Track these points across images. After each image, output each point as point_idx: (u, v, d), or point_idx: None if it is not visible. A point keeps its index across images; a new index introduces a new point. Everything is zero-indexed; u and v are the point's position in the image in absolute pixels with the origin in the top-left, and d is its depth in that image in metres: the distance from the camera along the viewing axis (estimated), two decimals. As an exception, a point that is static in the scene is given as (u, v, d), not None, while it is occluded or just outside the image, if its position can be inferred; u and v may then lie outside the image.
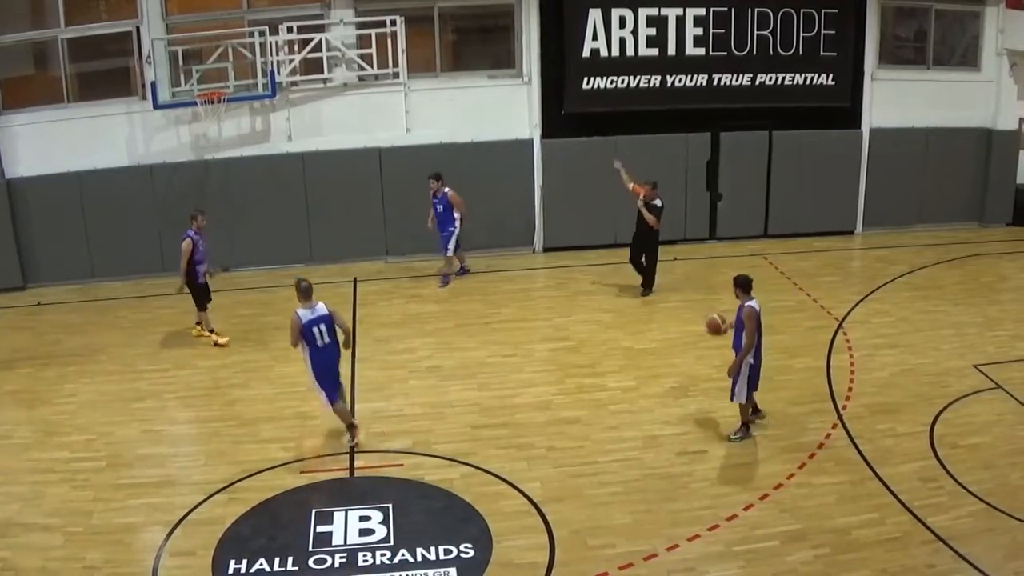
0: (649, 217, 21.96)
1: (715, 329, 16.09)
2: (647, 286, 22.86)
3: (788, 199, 26.41)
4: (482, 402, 17.81)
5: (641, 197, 22.07)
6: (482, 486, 15.06)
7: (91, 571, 13.65)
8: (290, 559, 13.37)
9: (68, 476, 16.12)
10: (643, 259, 22.82)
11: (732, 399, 15.86)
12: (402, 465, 15.72)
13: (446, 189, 23.13)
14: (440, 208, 23.31)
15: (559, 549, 13.54)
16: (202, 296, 21.00)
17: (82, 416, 18.18)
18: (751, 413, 16.27)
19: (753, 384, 15.82)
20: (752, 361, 15.54)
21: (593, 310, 22.14)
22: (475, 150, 24.98)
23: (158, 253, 24.25)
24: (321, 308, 15.93)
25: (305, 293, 15.92)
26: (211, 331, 21.06)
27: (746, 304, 15.44)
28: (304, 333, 15.81)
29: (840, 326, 20.98)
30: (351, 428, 16.56)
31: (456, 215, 23.35)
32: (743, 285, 15.59)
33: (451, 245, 23.57)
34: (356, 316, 21.84)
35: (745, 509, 14.27)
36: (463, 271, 24.33)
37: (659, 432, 16.37)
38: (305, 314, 15.83)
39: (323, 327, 15.92)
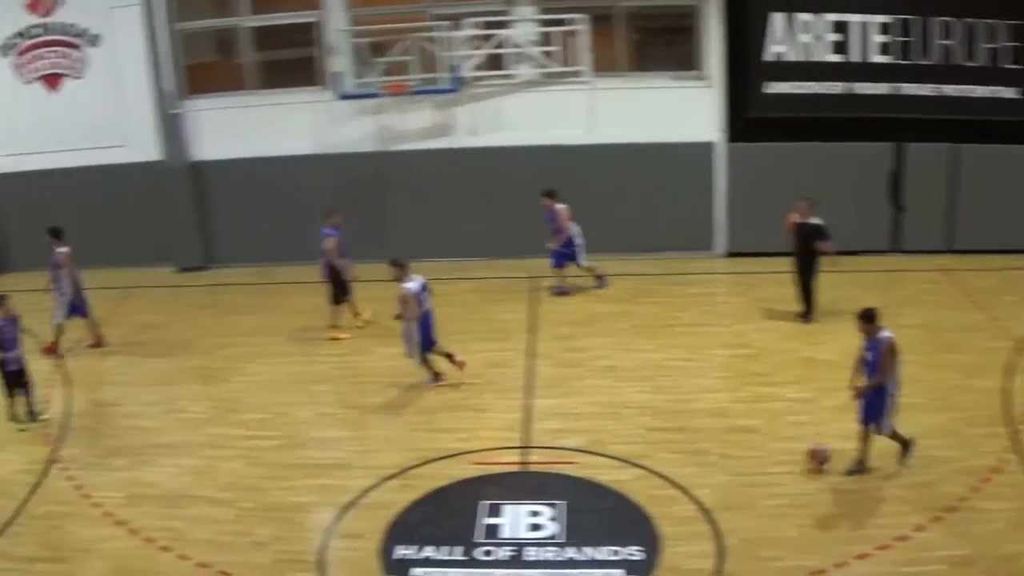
0: (823, 245, 20.51)
1: (818, 459, 15.05)
2: (808, 314, 21.26)
3: (974, 214, 25.39)
4: (657, 405, 17.62)
5: (800, 218, 20.70)
6: (653, 489, 14.89)
7: (259, 547, 14.03)
8: (458, 548, 13.47)
9: (243, 453, 16.61)
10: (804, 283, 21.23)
11: (881, 433, 15.17)
12: (576, 463, 15.64)
13: (558, 206, 22.44)
14: (555, 225, 22.62)
15: (728, 558, 13.31)
16: (340, 291, 21.25)
17: (259, 395, 18.71)
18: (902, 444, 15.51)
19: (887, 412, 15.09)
20: (893, 391, 14.84)
21: (774, 318, 21.54)
22: (655, 151, 24.70)
23: (341, 239, 24.53)
24: (420, 277, 17.97)
25: (405, 267, 17.80)
26: (334, 326, 21.27)
27: (882, 336, 14.66)
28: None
29: (1021, 347, 20.24)
30: (438, 375, 18.44)
31: (562, 232, 22.58)
32: (869, 318, 14.82)
33: (580, 257, 22.86)
34: (535, 313, 21.81)
35: (915, 530, 13.82)
36: (562, 291, 23.21)
37: (834, 446, 16.01)
38: (414, 286, 17.79)
39: (426, 293, 18.08)
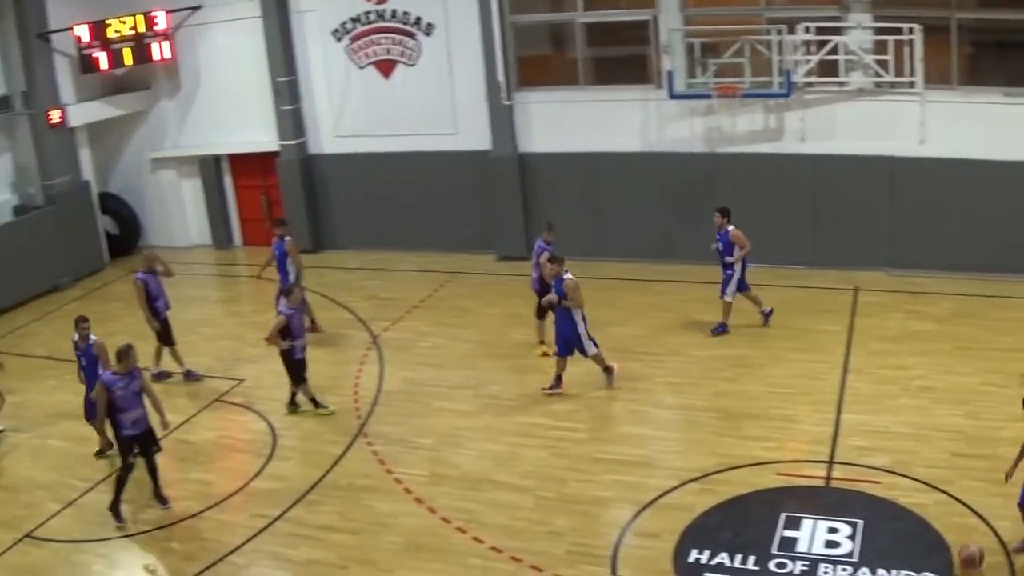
0: None
1: (969, 564, 12.64)
2: None
3: None
4: (968, 430, 16.65)
5: None
6: (955, 516, 14.13)
7: (554, 536, 14.22)
8: (751, 558, 13.27)
9: (548, 443, 16.86)
10: None
11: None
12: (879, 483, 15.10)
13: (730, 227, 21.04)
14: (720, 245, 21.17)
15: (1020, 595, 12.53)
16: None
17: (568, 387, 18.82)
18: None
19: None
20: None
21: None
22: (985, 168, 23.57)
23: (661, 239, 24.88)
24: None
25: (561, 262, 18.41)
26: (541, 342, 21.08)
27: None
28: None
29: None
30: (609, 369, 18.67)
31: (736, 254, 20.94)
32: None
33: (730, 289, 21.13)
34: (853, 326, 21.26)
35: None
36: (766, 314, 21.66)
37: None
38: (571, 276, 18.31)
39: None
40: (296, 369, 18.77)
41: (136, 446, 15.89)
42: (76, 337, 18.00)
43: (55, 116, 29.19)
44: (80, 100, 30.02)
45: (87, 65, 28.91)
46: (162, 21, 29.07)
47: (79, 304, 26.01)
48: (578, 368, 19.21)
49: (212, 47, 29.90)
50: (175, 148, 31.43)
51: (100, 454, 17.75)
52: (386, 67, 27.11)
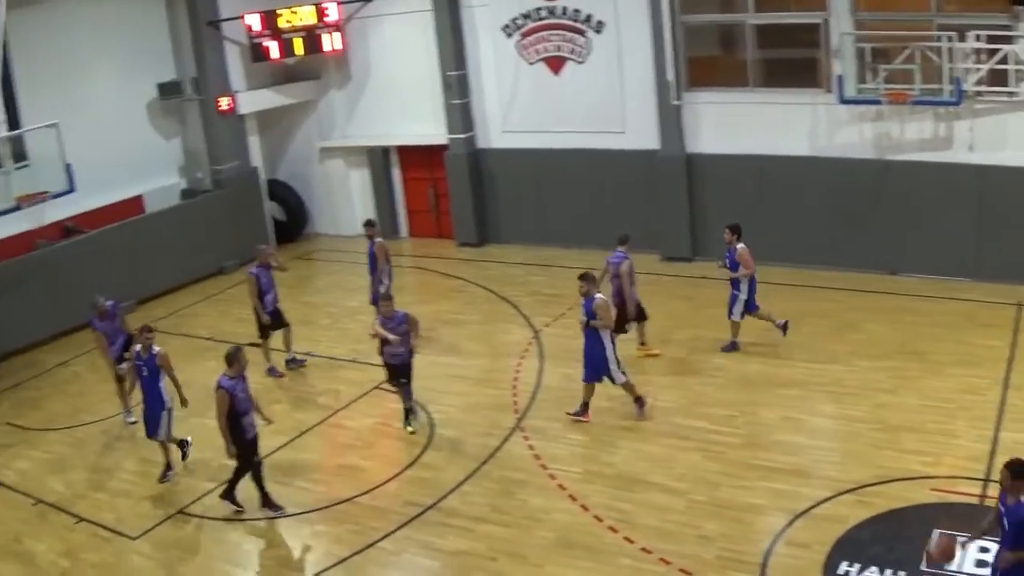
0: None
1: (945, 555, 11.92)
2: None
3: None
4: None
5: None
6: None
7: (705, 541, 14.32)
8: (902, 574, 13.18)
9: (703, 446, 16.93)
10: None
11: None
12: (1036, 505, 14.92)
13: (739, 245, 20.61)
14: (727, 263, 20.82)
15: None
16: (640, 314, 21.09)
17: (728, 391, 18.97)
18: None
19: None
20: None
21: None
22: None
23: (826, 244, 24.87)
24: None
25: (592, 281, 18.22)
26: (642, 343, 21.14)
27: None
28: None
29: None
30: (640, 401, 18.27)
31: (739, 272, 20.64)
32: None
33: (736, 309, 20.79)
34: (1016, 342, 20.69)
35: None
36: (781, 326, 21.05)
37: None
38: (603, 296, 18.13)
39: None
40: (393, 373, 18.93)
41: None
42: (138, 347, 17.91)
43: (225, 103, 30.26)
44: (250, 88, 31.17)
45: (258, 54, 29.99)
46: (333, 12, 29.98)
47: (242, 289, 26.74)
48: (736, 371, 19.45)
49: (382, 39, 30.70)
50: (343, 138, 32.34)
51: (164, 476, 17.87)
52: (556, 64, 27.45)
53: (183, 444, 18.21)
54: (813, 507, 14.80)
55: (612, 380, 18.11)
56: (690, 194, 26.16)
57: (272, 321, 21.94)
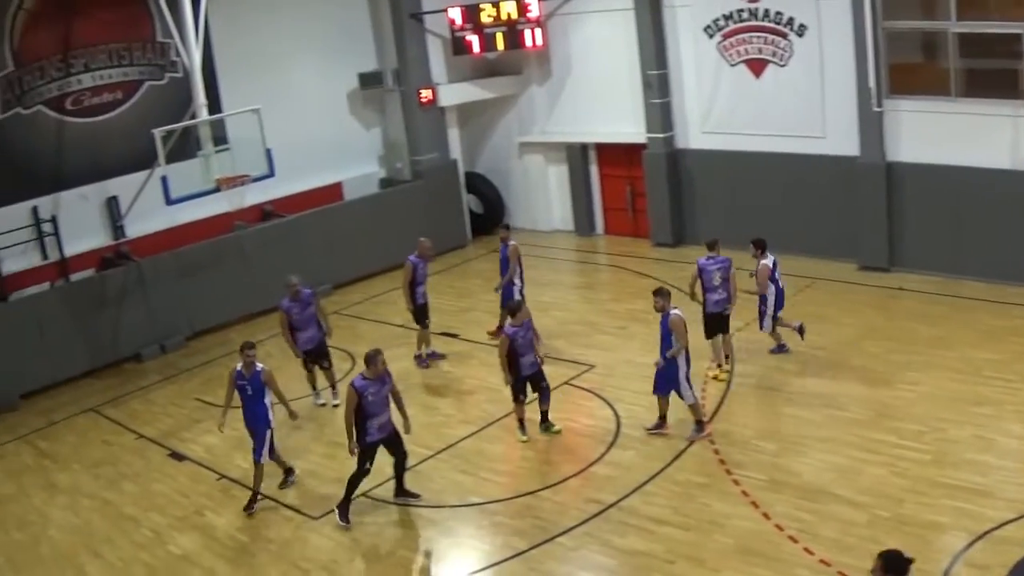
0: None
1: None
2: None
3: None
4: None
5: None
6: None
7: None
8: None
9: (890, 461, 16.84)
10: None
11: None
12: None
13: (763, 260, 20.91)
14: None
15: None
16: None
17: (919, 406, 18.75)
18: None
19: None
20: None
21: None
22: None
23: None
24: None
25: (667, 296, 18.03)
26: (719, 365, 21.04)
27: None
28: None
29: None
30: (701, 424, 18.30)
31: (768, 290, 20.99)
32: None
33: (766, 323, 21.26)
34: None
35: None
36: (797, 328, 21.48)
37: None
38: (679, 313, 18.01)
39: None
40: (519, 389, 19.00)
41: (380, 449, 16.59)
42: (239, 366, 17.62)
43: (426, 95, 31.04)
44: (451, 81, 32.02)
45: (459, 47, 30.87)
46: (535, 8, 30.53)
47: (438, 278, 27.42)
48: (927, 387, 19.30)
49: (583, 36, 31.21)
50: (542, 134, 33.00)
51: (284, 483, 18.35)
52: (757, 66, 27.46)
53: (288, 472, 18.40)
54: (996, 529, 14.63)
55: (680, 395, 18.22)
56: (888, 203, 25.83)
57: (418, 313, 22.97)
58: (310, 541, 16.51)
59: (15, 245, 25.00)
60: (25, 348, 24.07)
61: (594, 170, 32.34)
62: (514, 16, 30.55)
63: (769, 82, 27.32)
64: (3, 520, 18.63)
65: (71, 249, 26.07)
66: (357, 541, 16.35)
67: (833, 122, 26.35)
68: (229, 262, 27.49)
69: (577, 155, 32.17)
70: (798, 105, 26.81)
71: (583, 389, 20.73)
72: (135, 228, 27.39)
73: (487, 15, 30.59)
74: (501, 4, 30.49)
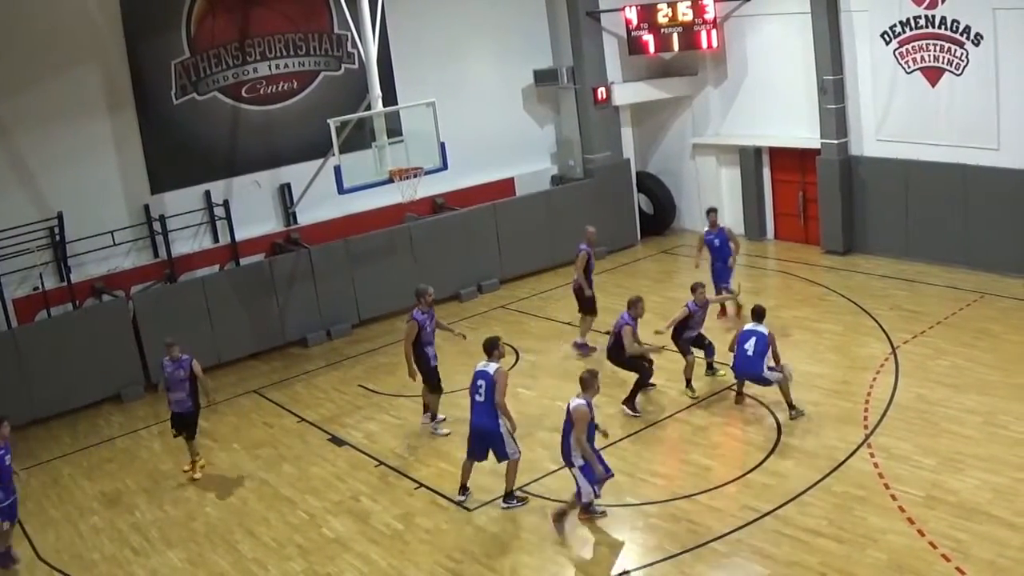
0: None
1: None
2: None
3: None
4: None
5: None
6: None
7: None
8: None
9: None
10: None
11: None
12: None
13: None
14: None
15: None
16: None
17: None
18: None
19: None
20: None
21: None
22: None
23: None
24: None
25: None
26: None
27: None
28: None
29: None
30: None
31: None
32: None
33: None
34: None
35: None
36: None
37: None
38: None
39: None
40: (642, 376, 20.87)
41: None
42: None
43: (601, 93, 31.64)
44: (625, 80, 32.56)
45: (634, 47, 31.50)
46: (711, 10, 31.02)
47: (606, 276, 27.97)
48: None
49: (759, 39, 31.57)
50: (716, 136, 33.45)
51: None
52: (933, 74, 27.37)
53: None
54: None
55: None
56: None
57: (587, 299, 23.90)
58: (464, 533, 17.24)
59: (187, 228, 26.45)
60: (192, 329, 25.31)
61: (766, 174, 32.59)
62: (690, 17, 31.06)
63: (944, 91, 27.16)
64: (159, 495, 19.99)
65: (242, 234, 27.62)
66: (509, 535, 16.97)
67: (1008, 133, 26.11)
68: (398, 253, 28.60)
69: (750, 158, 32.44)
70: (973, 115, 26.64)
71: (747, 395, 21.00)
72: (306, 216, 28.86)
73: (663, 15, 31.14)
74: (677, 5, 31.00)
